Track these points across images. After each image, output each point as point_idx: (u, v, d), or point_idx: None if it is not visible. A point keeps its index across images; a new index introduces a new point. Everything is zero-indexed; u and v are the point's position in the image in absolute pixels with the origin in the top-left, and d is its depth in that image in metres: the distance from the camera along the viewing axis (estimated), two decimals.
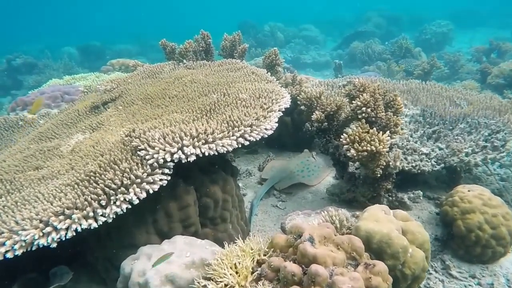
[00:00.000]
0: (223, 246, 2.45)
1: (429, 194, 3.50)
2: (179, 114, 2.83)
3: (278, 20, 18.51)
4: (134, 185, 2.13)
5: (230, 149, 2.37)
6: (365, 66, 10.64)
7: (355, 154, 2.58)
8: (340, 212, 2.43)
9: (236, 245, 2.00)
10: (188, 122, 2.57)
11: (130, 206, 2.11)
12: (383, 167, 2.72)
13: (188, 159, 2.25)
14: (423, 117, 3.95)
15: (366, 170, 2.78)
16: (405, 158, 3.24)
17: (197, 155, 2.28)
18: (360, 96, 2.77)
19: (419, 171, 3.15)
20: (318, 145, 3.46)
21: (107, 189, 2.10)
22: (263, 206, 3.63)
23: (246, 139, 2.45)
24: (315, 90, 3.48)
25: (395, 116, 2.85)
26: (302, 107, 3.48)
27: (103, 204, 2.07)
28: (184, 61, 4.47)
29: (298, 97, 3.59)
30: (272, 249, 1.91)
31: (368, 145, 2.53)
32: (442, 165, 3.25)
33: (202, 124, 2.49)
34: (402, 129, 2.86)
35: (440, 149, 3.44)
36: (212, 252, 2.08)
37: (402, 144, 3.46)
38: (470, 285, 2.72)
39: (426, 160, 3.29)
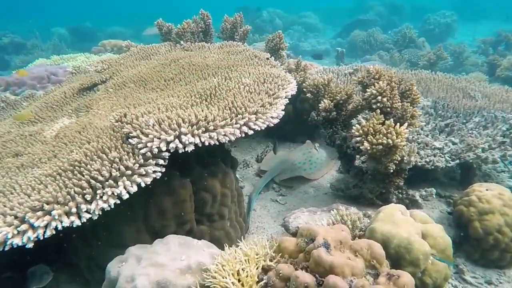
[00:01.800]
0: (220, 245, 2.23)
1: (440, 191, 3.29)
2: (176, 98, 2.56)
3: (277, 6, 18.04)
4: (124, 178, 1.87)
5: (233, 138, 2.12)
6: (366, 56, 10.36)
7: (368, 148, 2.34)
8: (352, 211, 2.21)
9: (239, 249, 1.77)
10: (186, 108, 2.31)
11: (118, 201, 1.86)
12: (397, 162, 2.49)
13: (186, 149, 2.00)
14: (434, 109, 3.73)
15: (378, 164, 2.55)
16: (418, 153, 3.02)
17: (196, 145, 2.03)
18: (376, 84, 2.53)
19: (432, 167, 2.94)
20: (323, 136, 3.22)
21: (93, 182, 1.85)
22: (261, 201, 3.40)
23: (250, 128, 2.20)
24: (322, 77, 3.22)
25: (411, 107, 2.61)
26: (308, 95, 3.23)
27: (88, 198, 1.82)
28: (182, 42, 4.17)
29: (303, 84, 3.33)
30: (280, 254, 1.68)
31: (384, 138, 2.29)
32: (457, 161, 3.04)
33: (202, 110, 2.23)
34: (419, 121, 2.62)
35: (454, 143, 3.23)
36: (210, 255, 1.85)
37: (413, 137, 3.24)
38: None
39: (440, 155, 3.07)
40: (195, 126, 2.02)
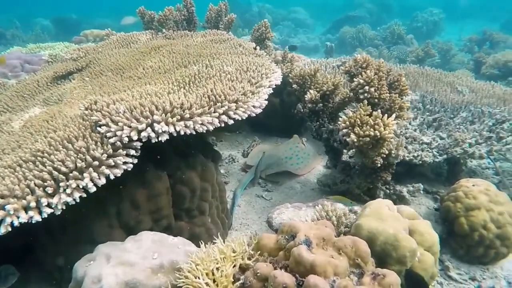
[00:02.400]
0: (200, 243, 2.11)
1: (427, 187, 3.22)
2: (152, 86, 2.41)
3: (267, 1, 17.88)
4: (91, 169, 1.72)
5: (211, 128, 1.98)
6: (355, 52, 10.29)
7: (355, 140, 2.24)
8: (337, 207, 2.10)
9: (215, 246, 1.64)
10: (162, 95, 2.16)
11: (85, 195, 1.70)
12: (384, 156, 2.40)
13: (160, 139, 1.85)
14: (422, 103, 3.66)
15: (365, 158, 2.45)
16: (405, 148, 2.93)
17: (170, 134, 1.88)
18: (363, 73, 2.42)
19: (420, 161, 2.86)
20: (310, 129, 3.11)
21: (55, 173, 1.69)
22: (246, 196, 3.28)
23: (230, 117, 2.06)
24: (309, 67, 3.10)
25: (400, 98, 2.52)
26: (294, 86, 3.11)
27: (50, 192, 1.66)
28: (164, 30, 3.99)
29: (289, 75, 3.21)
30: (259, 252, 1.56)
31: (371, 129, 2.19)
32: (445, 156, 2.96)
33: (179, 98, 2.08)
34: (407, 113, 2.53)
35: (442, 138, 3.16)
36: (185, 253, 1.72)
37: (401, 132, 3.16)
38: None
39: (428, 150, 2.99)
40: (169, 114, 1.88)
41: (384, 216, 1.85)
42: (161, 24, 4.00)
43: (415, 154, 2.82)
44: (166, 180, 2.16)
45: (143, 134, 1.81)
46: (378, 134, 2.16)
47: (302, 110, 3.08)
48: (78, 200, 1.67)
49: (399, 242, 1.73)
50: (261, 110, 2.32)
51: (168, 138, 1.87)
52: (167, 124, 1.87)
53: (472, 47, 9.02)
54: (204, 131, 2.00)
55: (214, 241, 1.70)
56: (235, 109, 2.11)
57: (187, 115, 1.92)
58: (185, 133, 1.91)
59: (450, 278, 2.51)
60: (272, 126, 4.34)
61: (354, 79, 2.48)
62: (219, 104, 2.07)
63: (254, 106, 2.24)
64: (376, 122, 2.20)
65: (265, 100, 2.38)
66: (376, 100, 2.47)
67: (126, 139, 1.79)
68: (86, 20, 17.78)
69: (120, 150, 1.79)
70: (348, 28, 12.36)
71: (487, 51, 8.15)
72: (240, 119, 2.12)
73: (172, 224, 2.21)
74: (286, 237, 1.53)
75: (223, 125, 2.07)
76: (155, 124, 1.84)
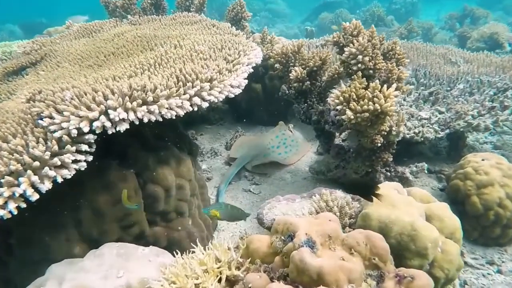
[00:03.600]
0: (181, 249, 1.78)
1: (429, 166, 2.96)
2: (111, 70, 2.05)
3: None
4: (30, 172, 1.36)
5: (181, 112, 1.65)
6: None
7: (352, 117, 1.93)
8: (338, 195, 1.80)
9: (194, 255, 1.31)
10: (120, 79, 1.80)
11: (24, 205, 1.34)
12: (385, 133, 2.10)
13: (118, 129, 1.50)
14: (415, 78, 3.39)
15: (363, 138, 2.16)
16: (404, 125, 2.65)
17: (132, 122, 1.54)
18: (355, 41, 2.11)
19: (422, 138, 2.58)
20: (297, 112, 2.79)
21: None
22: (232, 192, 2.95)
23: (204, 99, 1.73)
24: (291, 44, 2.78)
25: (397, 68, 2.22)
26: (277, 65, 2.78)
27: None
28: (129, 16, 3.60)
29: (271, 54, 2.88)
30: (249, 259, 1.24)
31: (370, 103, 1.88)
32: (447, 131, 2.70)
33: (141, 80, 1.73)
34: (407, 86, 2.25)
35: (441, 112, 2.89)
36: (158, 266, 1.38)
37: (396, 109, 2.88)
38: (489, 273, 2.22)
39: (428, 126, 2.72)
40: (127, 98, 1.52)
41: (396, 202, 1.55)
42: (125, 10, 3.61)
43: (416, 131, 2.55)
44: (134, 180, 1.81)
45: (96, 124, 1.45)
46: (379, 107, 1.86)
47: (287, 91, 2.76)
48: (14, 212, 1.31)
49: (418, 232, 1.44)
50: (241, 91, 1.99)
51: (128, 127, 1.53)
52: (126, 110, 1.52)
53: (453, 24, 8.87)
54: (174, 117, 1.66)
55: (192, 249, 1.37)
56: (209, 90, 1.78)
57: (150, 98, 1.57)
58: (149, 120, 1.57)
59: (465, 264, 2.25)
60: (255, 114, 4.01)
61: (345, 49, 2.17)
62: (189, 84, 1.73)
63: (232, 86, 1.91)
64: (375, 94, 1.90)
65: (245, 79, 2.06)
66: (371, 72, 2.17)
67: (75, 131, 1.43)
68: (56, 24, 16.97)
69: (68, 146, 1.43)
70: (327, 14, 12.09)
71: (469, 27, 8.00)
72: (216, 101, 1.79)
73: (145, 231, 1.87)
74: (282, 237, 1.21)
75: (196, 109, 1.73)
76: (110, 111, 1.48)
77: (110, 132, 1.49)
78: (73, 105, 1.49)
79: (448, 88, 3.22)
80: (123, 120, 1.51)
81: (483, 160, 2.40)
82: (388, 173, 2.54)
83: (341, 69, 2.53)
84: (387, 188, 1.66)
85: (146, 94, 1.58)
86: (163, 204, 1.93)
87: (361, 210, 1.74)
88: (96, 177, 1.70)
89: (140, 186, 1.86)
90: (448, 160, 3.06)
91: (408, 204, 1.56)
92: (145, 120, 1.55)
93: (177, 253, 1.41)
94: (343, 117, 1.99)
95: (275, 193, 2.88)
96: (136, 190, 1.83)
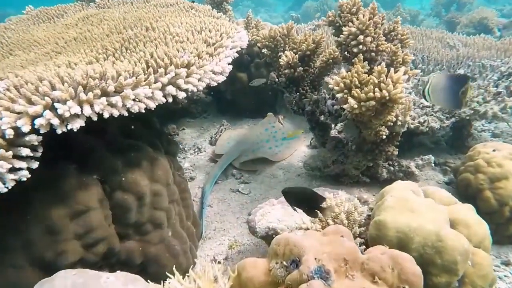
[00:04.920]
0: (160, 267, 1.52)
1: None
2: (67, 56, 1.71)
3: None
4: None
5: (152, 105, 1.34)
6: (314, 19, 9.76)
7: (355, 106, 1.66)
8: (342, 198, 1.53)
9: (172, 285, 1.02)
10: (77, 65, 1.47)
11: None
12: (391, 124, 1.84)
13: (70, 127, 1.18)
14: (413, 63, 3.15)
15: (366, 130, 1.89)
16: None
17: (88, 118, 1.22)
18: (354, 19, 1.83)
19: (427, 128, 2.34)
20: (288, 102, 2.51)
21: None
22: (219, 193, 2.66)
23: (180, 88, 1.42)
24: (280, 26, 2.48)
25: (401, 50, 1.96)
26: (264, 51, 2.48)
27: None
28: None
29: (257, 38, 2.58)
30: None
31: (377, 89, 1.61)
32: (453, 119, 2.47)
33: (102, 66, 1.40)
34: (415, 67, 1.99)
35: None
36: None
37: (405, 95, 2.63)
38: (506, 275, 2.01)
39: (432, 115, 2.49)
40: (81, 88, 1.20)
41: (415, 206, 1.30)
42: None
43: (421, 120, 2.30)
44: (98, 188, 1.50)
45: (39, 121, 1.13)
46: (387, 94, 1.59)
47: (276, 79, 2.47)
48: None
49: (445, 242, 1.18)
50: (224, 78, 1.69)
51: (83, 125, 1.21)
52: (79, 103, 1.20)
53: (439, 11, 8.74)
54: (143, 111, 1.35)
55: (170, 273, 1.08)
56: (186, 77, 1.47)
57: (112, 88, 1.25)
58: (111, 115, 1.25)
59: None
60: (242, 106, 3.71)
61: (343, 28, 1.89)
62: (161, 70, 1.41)
63: (213, 72, 1.60)
64: (381, 79, 1.63)
65: (229, 64, 1.75)
66: (373, 54, 1.90)
67: (10, 132, 1.11)
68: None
69: (2, 151, 1.10)
70: (311, 2, 11.82)
71: (455, 13, 7.87)
72: (195, 90, 1.48)
73: (115, 247, 1.56)
74: (284, 263, 0.93)
75: (170, 100, 1.42)
76: (58, 105, 1.16)
77: (59, 131, 1.17)
78: (8, 97, 1.16)
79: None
80: (77, 115, 1.19)
81: (494, 150, 2.18)
82: (392, 168, 2.29)
83: (337, 52, 2.25)
84: (402, 189, 1.40)
85: (106, 83, 1.26)
86: (136, 215, 1.62)
87: (370, 215, 1.48)
88: (48, 187, 1.38)
89: (107, 194, 1.54)
90: (452, 151, 2.85)
91: (429, 208, 1.30)
92: (106, 115, 1.24)
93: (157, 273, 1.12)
94: (345, 106, 1.71)
95: (267, 193, 2.61)
96: (102, 200, 1.51)
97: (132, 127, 1.71)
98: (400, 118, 1.95)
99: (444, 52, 3.17)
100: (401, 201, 1.31)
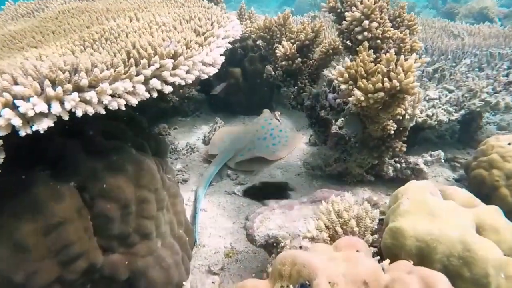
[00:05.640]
0: (150, 283, 1.35)
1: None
2: (40, 49, 1.53)
3: None
4: None
5: (134, 101, 1.16)
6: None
7: (362, 98, 1.50)
8: (350, 201, 1.36)
9: None
10: (47, 57, 1.29)
11: None
12: (400, 117, 1.69)
13: (36, 128, 1.01)
14: (416, 53, 2.99)
15: (372, 125, 1.73)
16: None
17: (59, 118, 1.05)
18: (358, 3, 1.66)
19: (435, 122, 2.19)
20: (286, 96, 2.35)
21: None
22: (213, 196, 2.49)
23: (165, 81, 1.25)
24: (277, 16, 2.32)
25: (409, 37, 1.80)
26: (259, 42, 2.32)
27: None
28: None
29: (251, 29, 2.41)
30: None
31: (386, 79, 1.45)
32: (462, 112, 2.32)
33: (76, 58, 1.23)
34: (420, 57, 1.83)
35: (451, 91, 2.51)
36: None
37: (418, 85, 2.48)
38: None
39: (439, 107, 2.33)
40: (48, 82, 1.03)
41: (436, 209, 1.14)
42: None
43: (429, 113, 2.15)
44: (75, 196, 1.32)
45: None
46: (397, 84, 1.43)
47: (273, 73, 2.30)
48: None
49: (473, 252, 1.03)
50: (216, 70, 1.52)
51: (52, 125, 1.03)
52: (47, 100, 1.03)
53: (436, 2, 8.61)
54: (123, 108, 1.17)
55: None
56: (173, 69, 1.30)
57: (84, 82, 1.08)
58: (85, 113, 1.08)
59: None
60: (236, 102, 3.55)
61: (346, 14, 1.72)
62: (144, 61, 1.24)
63: (204, 63, 1.43)
64: (391, 68, 1.47)
65: (221, 55, 1.58)
66: (378, 42, 1.74)
67: None
68: None
69: None
70: None
71: (454, 4, 7.73)
72: (183, 83, 1.31)
73: (96, 262, 1.39)
74: (291, 287, 0.77)
75: (155, 95, 1.25)
76: (19, 103, 0.98)
77: (23, 133, 1.00)
78: None
79: (454, 64, 2.84)
80: (43, 114, 1.02)
81: (509, 144, 2.03)
82: (398, 165, 2.14)
83: (338, 42, 2.09)
84: (419, 190, 1.24)
85: (79, 76, 1.08)
86: (120, 225, 1.45)
87: (382, 219, 1.32)
88: (15, 197, 1.20)
89: (86, 203, 1.37)
90: (459, 145, 2.70)
91: (452, 211, 1.15)
92: (79, 113, 1.06)
93: None
94: (350, 99, 1.55)
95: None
96: (80, 210, 1.34)
97: (115, 126, 1.54)
98: (409, 111, 1.79)
99: (449, 41, 3.02)
100: (419, 204, 1.15)
